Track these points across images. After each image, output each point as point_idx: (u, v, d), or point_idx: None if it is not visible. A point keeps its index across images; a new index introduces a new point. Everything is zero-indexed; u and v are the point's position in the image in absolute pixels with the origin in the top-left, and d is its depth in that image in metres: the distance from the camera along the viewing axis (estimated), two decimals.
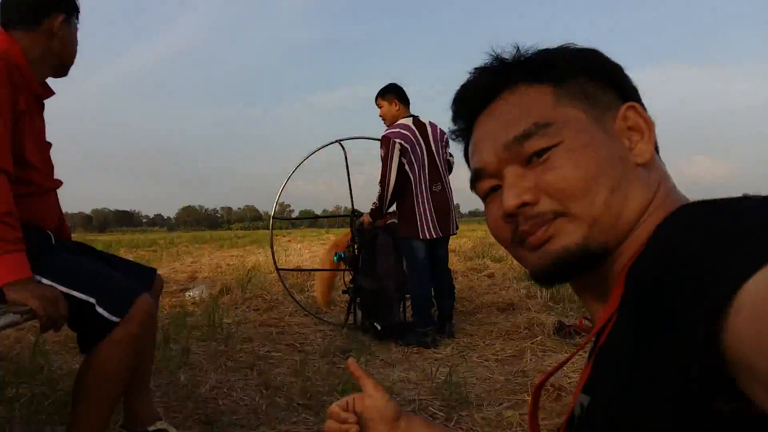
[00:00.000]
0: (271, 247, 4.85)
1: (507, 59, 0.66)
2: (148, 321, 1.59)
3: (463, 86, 0.69)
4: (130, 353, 1.55)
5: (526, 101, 0.63)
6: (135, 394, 1.86)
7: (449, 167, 4.16)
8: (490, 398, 2.65)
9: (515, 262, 7.42)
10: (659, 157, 0.66)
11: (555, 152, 0.60)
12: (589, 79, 0.64)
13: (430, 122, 4.09)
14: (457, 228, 4.14)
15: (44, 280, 1.49)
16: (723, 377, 0.36)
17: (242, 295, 5.25)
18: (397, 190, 3.87)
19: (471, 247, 10.90)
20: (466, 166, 0.72)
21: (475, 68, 0.68)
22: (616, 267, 0.60)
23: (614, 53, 0.67)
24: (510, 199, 0.61)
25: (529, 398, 0.70)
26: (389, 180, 3.83)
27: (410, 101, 4.17)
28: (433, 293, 4.10)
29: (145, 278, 1.87)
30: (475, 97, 0.68)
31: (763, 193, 0.47)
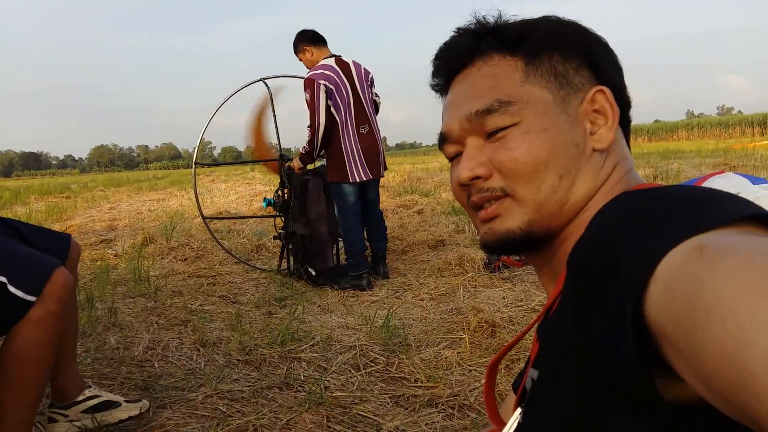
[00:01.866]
0: (196, 195, 4.67)
1: (486, 25, 0.67)
2: (67, 296, 1.49)
3: (443, 45, 0.70)
4: (51, 333, 1.45)
5: (495, 74, 0.64)
6: (59, 369, 1.77)
7: (376, 108, 4.09)
8: (427, 339, 2.71)
9: (443, 196, 7.58)
10: (624, 140, 0.67)
11: (512, 131, 0.61)
12: (563, 57, 0.64)
13: (353, 61, 3.97)
14: (385, 168, 4.12)
15: None
16: (650, 350, 0.39)
17: (167, 245, 5.07)
18: (325, 134, 3.78)
19: (399, 182, 10.96)
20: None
21: (458, 28, 0.68)
22: (563, 251, 0.62)
23: None
24: (464, 171, 0.63)
25: (485, 375, 0.70)
26: (318, 123, 3.72)
27: (326, 40, 4.02)
28: (365, 235, 4.10)
29: (60, 248, 1.75)
30: (453, 59, 0.68)
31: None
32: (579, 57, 0.64)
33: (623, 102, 0.66)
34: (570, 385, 0.48)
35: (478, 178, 0.63)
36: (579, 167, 0.61)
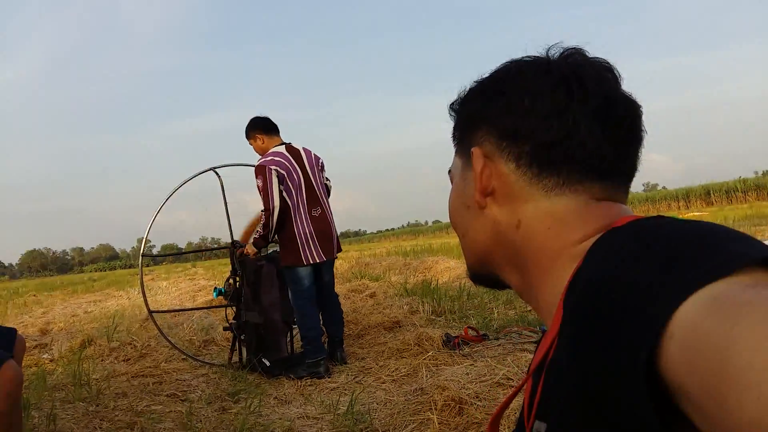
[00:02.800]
0: (142, 288, 4.46)
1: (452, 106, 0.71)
2: (16, 391, 1.35)
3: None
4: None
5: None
6: None
7: (328, 191, 4.11)
8: (394, 422, 2.59)
9: (393, 279, 7.54)
10: (536, 184, 0.61)
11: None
12: (470, 130, 0.66)
13: (303, 148, 4.02)
14: (339, 250, 4.09)
15: None
16: (665, 401, 0.38)
17: (108, 346, 4.77)
18: (279, 217, 3.75)
19: (348, 268, 10.88)
20: None
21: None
22: (543, 286, 0.61)
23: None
24: None
25: None
26: (273, 207, 3.70)
27: (278, 128, 4.08)
28: (321, 320, 3.99)
29: (6, 341, 1.61)
30: None
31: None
32: (484, 127, 0.64)
33: (529, 139, 0.61)
34: None
35: None
36: (470, 225, 0.66)
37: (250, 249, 3.99)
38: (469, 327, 4.18)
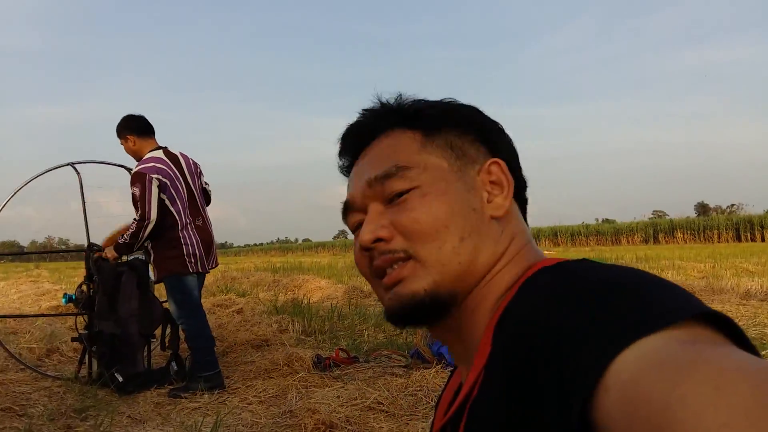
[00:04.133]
0: None
1: (389, 105, 0.70)
2: None
3: (348, 126, 0.72)
4: None
5: (395, 144, 0.66)
6: None
7: (207, 198, 3.93)
8: None
9: (262, 295, 7.36)
10: (521, 215, 0.69)
11: (412, 195, 0.62)
12: (459, 133, 0.67)
13: (181, 153, 3.82)
14: (216, 264, 3.90)
15: None
16: None
17: None
18: (155, 229, 3.50)
19: (213, 281, 10.44)
20: None
21: (363, 110, 0.71)
22: (473, 322, 0.61)
23: None
24: (366, 233, 0.63)
25: None
26: (149, 218, 3.44)
27: (154, 130, 3.82)
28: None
29: None
30: (356, 136, 0.71)
31: None
32: (474, 134, 0.67)
33: (519, 182, 0.69)
34: None
35: (380, 240, 0.62)
36: (479, 232, 0.62)
37: (110, 254, 3.68)
38: (340, 348, 4.15)
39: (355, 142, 0.71)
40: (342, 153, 0.74)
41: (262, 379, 3.63)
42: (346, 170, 0.74)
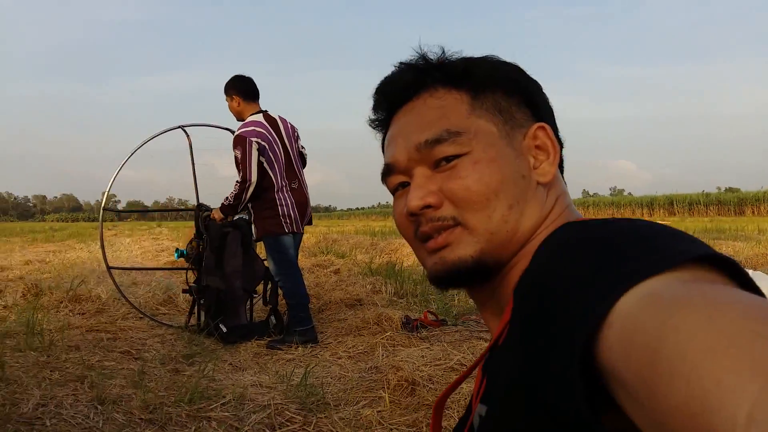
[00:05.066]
0: (101, 243, 4.39)
1: (431, 60, 0.68)
2: None
3: (386, 79, 0.70)
4: None
5: (442, 106, 0.65)
6: None
7: (303, 161, 4.10)
8: (346, 397, 2.62)
9: (359, 258, 7.57)
10: (561, 176, 0.70)
11: (462, 161, 0.62)
12: (505, 94, 0.66)
13: (279, 117, 3.99)
14: (310, 223, 4.09)
15: None
16: (600, 390, 0.40)
17: (65, 297, 4.69)
18: (255, 190, 3.72)
19: (315, 243, 10.86)
20: (382, 155, 0.73)
21: (401, 63, 0.69)
22: (508, 281, 0.62)
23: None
24: (414, 200, 0.63)
25: (432, 413, 0.66)
26: (250, 180, 3.67)
27: (259, 94, 4.01)
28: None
29: None
30: (397, 91, 0.69)
31: None
32: (519, 95, 0.67)
33: (558, 142, 0.68)
34: (518, 419, 0.47)
35: (428, 207, 0.63)
36: (527, 198, 0.62)
37: (216, 215, 3.96)
38: (428, 311, 4.22)
39: (394, 98, 0.70)
40: (377, 107, 0.72)
41: (353, 336, 3.79)
42: (378, 125, 0.73)
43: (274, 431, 2.22)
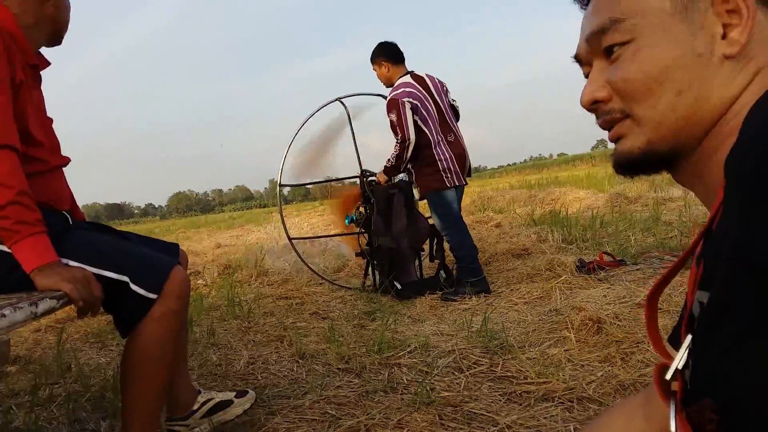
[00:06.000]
0: (281, 217, 4.75)
1: None
2: (186, 293, 1.51)
3: None
4: (171, 330, 1.47)
5: None
6: (173, 380, 1.78)
7: (456, 114, 4.09)
8: (529, 340, 2.60)
9: (519, 211, 7.40)
10: None
11: (625, 50, 0.59)
12: None
13: (426, 74, 4.00)
14: (470, 175, 4.08)
15: (71, 262, 1.38)
16: None
17: (254, 271, 5.16)
18: (414, 149, 3.80)
19: (470, 202, 10.83)
20: None
21: None
22: (714, 163, 0.57)
23: None
24: (582, 96, 0.63)
25: (644, 308, 0.63)
26: (409, 137, 3.74)
27: (404, 56, 4.05)
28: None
29: (171, 252, 1.78)
30: None
31: None
32: None
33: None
34: (746, 299, 0.43)
35: (598, 102, 0.62)
36: (704, 78, 0.56)
37: (381, 177, 4.10)
38: (604, 252, 4.03)
39: None
40: None
41: (525, 283, 3.75)
42: (582, 5, 0.69)
43: (463, 373, 2.28)
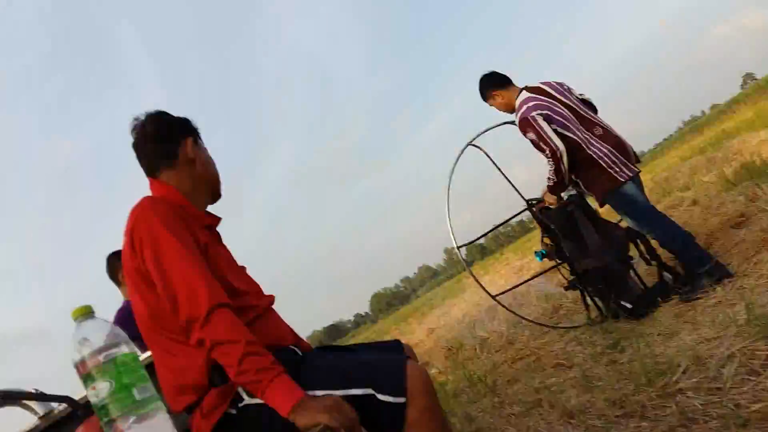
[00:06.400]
0: (474, 277, 4.68)
1: None
2: (430, 387, 1.46)
3: None
4: (435, 428, 1.43)
5: None
6: None
7: (592, 107, 3.90)
8: None
9: (706, 179, 6.67)
10: None
11: None
12: None
13: (541, 82, 3.90)
14: (638, 160, 3.79)
15: (317, 392, 1.43)
16: None
17: (476, 344, 5.13)
18: (569, 157, 3.64)
19: (649, 191, 9.98)
20: None
21: None
22: None
23: None
24: None
25: None
26: (558, 148, 3.59)
27: (509, 77, 4.00)
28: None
29: (396, 350, 1.81)
30: None
31: None
32: None
33: None
34: None
35: None
36: None
37: (549, 199, 3.95)
38: None
39: None
40: None
41: (766, 251, 3.34)
42: None
43: (760, 375, 2.03)
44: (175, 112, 1.81)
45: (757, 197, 4.72)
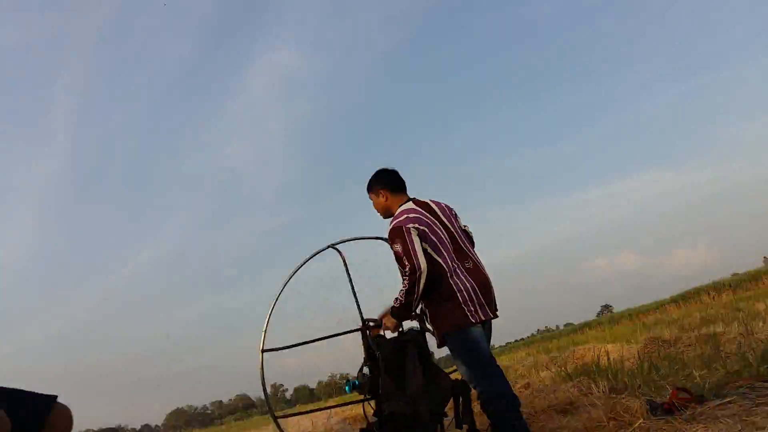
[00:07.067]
0: (263, 387, 3.84)
1: None
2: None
3: None
4: None
5: None
6: None
7: (471, 240, 3.47)
8: None
9: (543, 374, 6.42)
10: None
11: None
12: None
13: (431, 200, 3.46)
14: (497, 308, 3.30)
15: None
16: None
17: None
18: (428, 282, 3.11)
19: None
20: None
21: None
22: None
23: None
24: None
25: None
26: (419, 267, 3.04)
27: (405, 184, 3.55)
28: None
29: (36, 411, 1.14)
30: None
31: None
32: None
33: None
34: None
35: None
36: None
37: (389, 323, 3.34)
38: (678, 388, 3.19)
39: None
40: None
41: None
42: None
43: None
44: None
45: (589, 392, 4.40)
